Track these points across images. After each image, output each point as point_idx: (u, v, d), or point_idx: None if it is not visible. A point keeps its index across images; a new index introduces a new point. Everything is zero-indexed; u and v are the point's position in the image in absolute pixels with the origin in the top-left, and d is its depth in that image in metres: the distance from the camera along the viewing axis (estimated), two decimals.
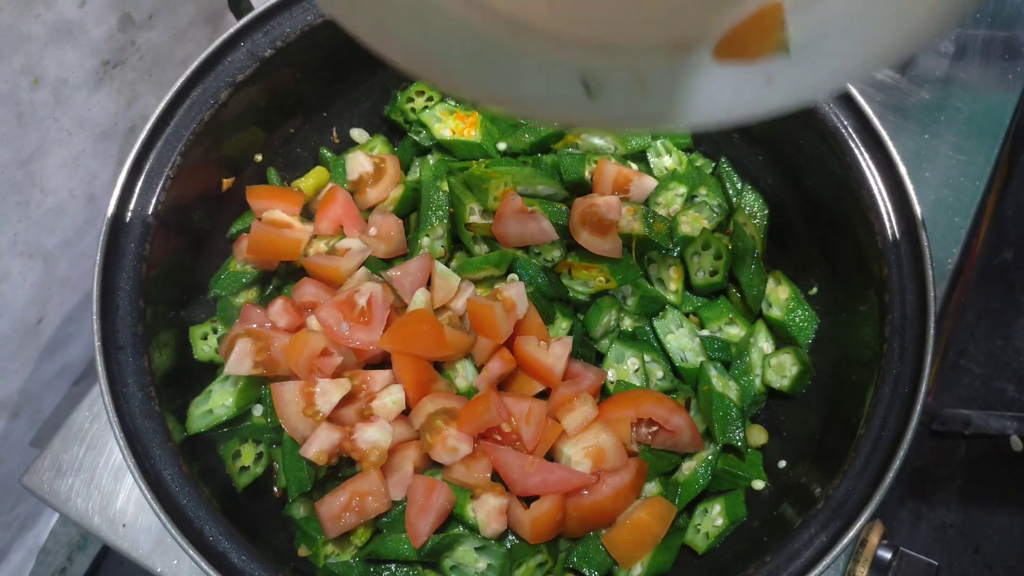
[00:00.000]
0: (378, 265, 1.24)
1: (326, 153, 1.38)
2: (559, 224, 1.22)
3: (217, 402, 1.13)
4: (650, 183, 1.27)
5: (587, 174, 1.26)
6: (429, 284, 1.20)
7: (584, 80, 0.56)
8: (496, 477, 1.11)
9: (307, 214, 1.32)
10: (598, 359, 1.24)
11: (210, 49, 1.14)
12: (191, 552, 0.97)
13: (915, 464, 1.99)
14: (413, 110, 1.36)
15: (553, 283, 1.23)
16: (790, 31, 0.54)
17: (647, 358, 1.22)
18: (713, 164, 1.37)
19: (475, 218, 1.25)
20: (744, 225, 1.27)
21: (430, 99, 1.37)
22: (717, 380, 1.17)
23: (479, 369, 1.18)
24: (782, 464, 1.18)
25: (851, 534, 0.96)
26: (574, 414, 1.11)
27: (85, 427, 1.33)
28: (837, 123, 1.12)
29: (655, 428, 1.15)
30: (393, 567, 1.10)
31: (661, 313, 1.25)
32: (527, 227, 1.19)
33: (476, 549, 1.09)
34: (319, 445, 1.07)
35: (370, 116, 1.41)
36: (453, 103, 1.36)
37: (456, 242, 1.27)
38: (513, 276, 1.22)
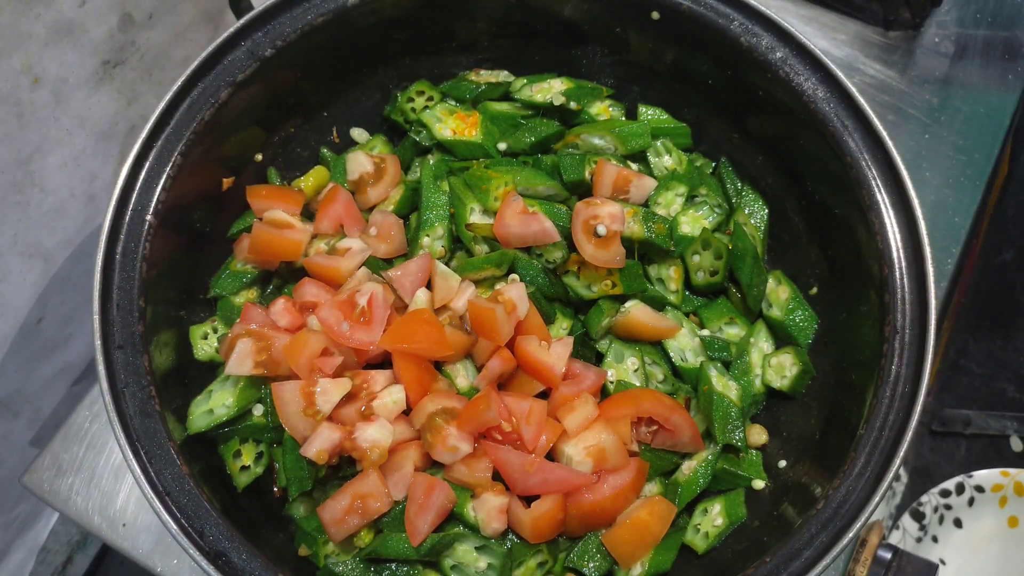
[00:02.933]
0: (378, 265, 1.24)
1: (326, 153, 1.38)
2: (560, 225, 1.22)
3: (217, 402, 1.13)
4: (650, 183, 1.26)
5: (587, 174, 1.26)
6: (429, 284, 1.20)
7: None
8: (497, 476, 1.11)
9: (307, 214, 1.32)
10: (598, 359, 1.24)
11: (210, 49, 1.14)
12: (191, 552, 0.97)
13: (915, 464, 1.99)
14: (413, 110, 1.36)
15: (554, 284, 1.23)
16: None
17: (647, 358, 1.22)
18: (713, 164, 1.37)
19: (476, 218, 1.25)
20: (744, 225, 1.27)
21: (430, 99, 1.37)
22: (717, 380, 1.17)
23: (479, 369, 1.18)
24: (782, 464, 1.18)
25: (851, 534, 0.96)
26: (575, 414, 1.11)
27: (85, 427, 1.33)
28: (837, 123, 1.12)
29: (655, 427, 1.15)
30: (393, 567, 1.10)
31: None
32: (529, 228, 1.19)
33: (476, 548, 1.10)
34: (319, 444, 1.07)
35: (370, 116, 1.41)
36: (454, 103, 1.36)
37: (456, 242, 1.27)
38: (514, 276, 1.22)
